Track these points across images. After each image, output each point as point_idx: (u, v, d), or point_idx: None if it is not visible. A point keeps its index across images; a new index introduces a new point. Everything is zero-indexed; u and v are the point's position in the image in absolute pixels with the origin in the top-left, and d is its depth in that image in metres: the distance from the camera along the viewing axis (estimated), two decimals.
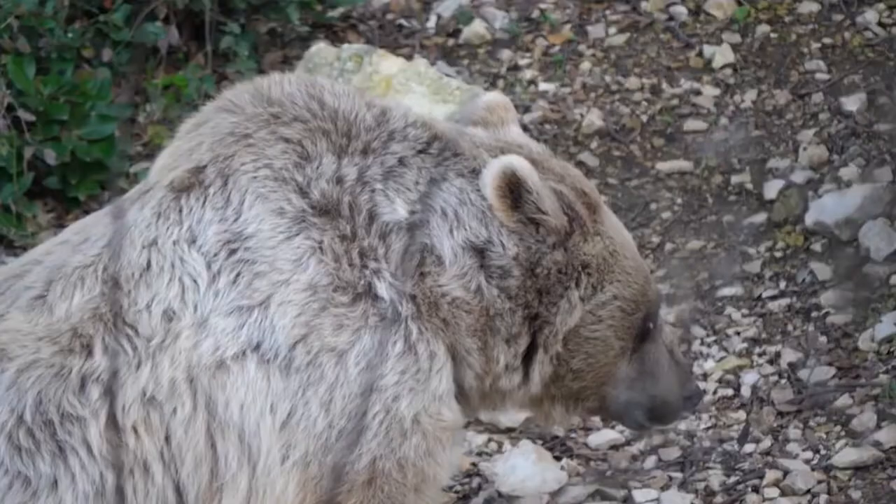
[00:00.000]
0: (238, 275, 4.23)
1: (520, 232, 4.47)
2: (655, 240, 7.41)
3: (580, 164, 7.80)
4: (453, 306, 4.42)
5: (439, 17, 8.66)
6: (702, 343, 6.83)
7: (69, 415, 4.17)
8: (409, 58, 7.99)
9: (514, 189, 4.44)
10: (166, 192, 4.29)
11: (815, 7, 8.27)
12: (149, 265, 4.21)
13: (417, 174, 4.42)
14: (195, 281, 4.21)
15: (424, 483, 4.45)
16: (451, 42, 8.52)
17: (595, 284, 4.57)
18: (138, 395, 4.17)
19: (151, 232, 4.25)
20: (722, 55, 8.16)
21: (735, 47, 8.20)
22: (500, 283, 4.46)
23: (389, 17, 8.68)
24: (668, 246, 7.38)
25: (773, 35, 8.20)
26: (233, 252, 4.24)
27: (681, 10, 8.44)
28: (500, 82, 8.21)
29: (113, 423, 4.14)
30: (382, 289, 4.33)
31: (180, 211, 4.25)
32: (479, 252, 4.44)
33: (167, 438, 4.19)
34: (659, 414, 4.82)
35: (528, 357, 4.58)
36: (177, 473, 4.20)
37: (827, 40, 8.11)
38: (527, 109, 7.96)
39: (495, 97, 4.83)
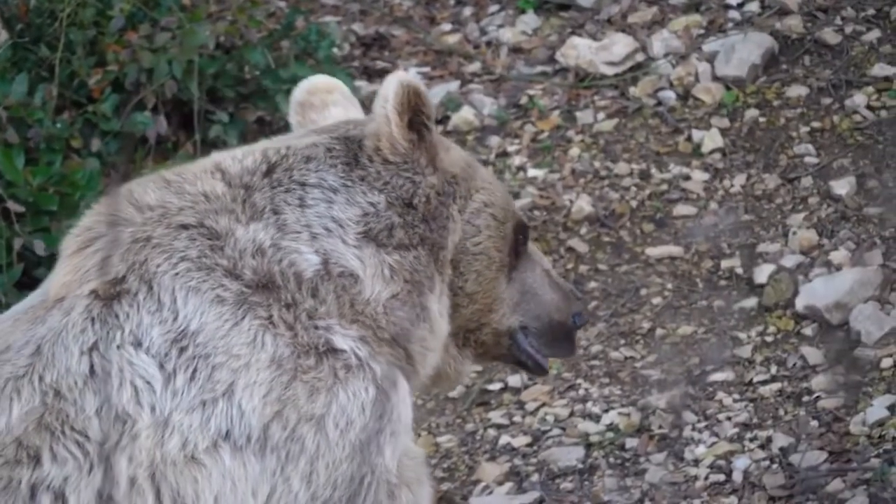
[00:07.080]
0: (195, 371, 4.11)
1: (394, 164, 4.39)
2: (646, 325, 7.38)
3: (570, 251, 7.80)
4: (389, 311, 4.33)
5: None
6: (693, 429, 6.78)
7: None
8: None
9: (411, 106, 4.35)
10: (91, 300, 4.15)
11: (803, 91, 8.30)
12: (92, 371, 4.08)
13: (295, 213, 4.32)
14: (149, 383, 4.09)
15: None
16: (439, 128, 8.53)
17: (464, 194, 4.51)
18: (93, 497, 4.08)
19: (89, 337, 4.11)
20: (711, 140, 8.18)
21: (724, 132, 8.22)
22: (394, 242, 4.36)
23: None
24: (659, 332, 7.34)
25: (761, 119, 8.23)
26: (183, 350, 4.12)
27: (669, 96, 8.47)
28: (489, 168, 8.23)
29: None
30: (339, 341, 4.22)
31: (117, 316, 4.12)
32: (367, 233, 4.34)
33: None
34: (552, 337, 4.72)
35: None
36: None
37: (815, 124, 8.13)
38: (516, 196, 7.95)
39: (317, 79, 4.79)
